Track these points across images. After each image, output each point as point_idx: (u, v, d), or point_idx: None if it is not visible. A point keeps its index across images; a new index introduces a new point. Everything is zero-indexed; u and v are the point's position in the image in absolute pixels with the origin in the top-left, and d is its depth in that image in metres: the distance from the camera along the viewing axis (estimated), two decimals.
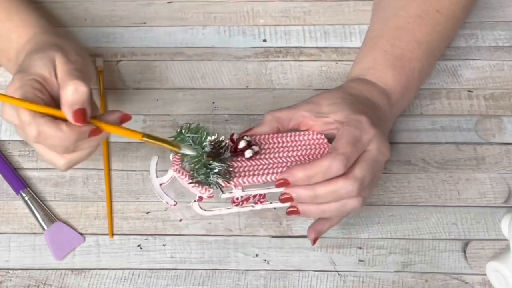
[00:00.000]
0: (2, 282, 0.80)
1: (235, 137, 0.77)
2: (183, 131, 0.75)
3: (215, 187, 0.74)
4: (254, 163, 0.77)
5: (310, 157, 0.77)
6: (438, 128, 0.89)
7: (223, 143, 0.76)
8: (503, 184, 0.86)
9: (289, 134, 0.79)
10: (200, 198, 0.75)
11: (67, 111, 0.69)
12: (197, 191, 0.75)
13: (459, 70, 0.93)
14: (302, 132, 0.79)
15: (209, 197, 0.75)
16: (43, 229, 0.82)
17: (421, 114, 0.90)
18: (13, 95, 0.69)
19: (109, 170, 0.86)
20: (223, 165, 0.74)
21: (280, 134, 0.79)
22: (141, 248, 0.82)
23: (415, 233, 0.83)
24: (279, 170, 0.75)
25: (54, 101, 0.71)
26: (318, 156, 0.77)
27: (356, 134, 0.74)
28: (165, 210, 0.84)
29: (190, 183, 0.75)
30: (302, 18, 0.96)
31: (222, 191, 0.75)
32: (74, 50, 0.76)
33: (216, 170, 0.73)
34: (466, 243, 0.82)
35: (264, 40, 0.96)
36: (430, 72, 0.89)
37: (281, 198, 0.74)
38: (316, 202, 0.74)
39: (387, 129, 0.82)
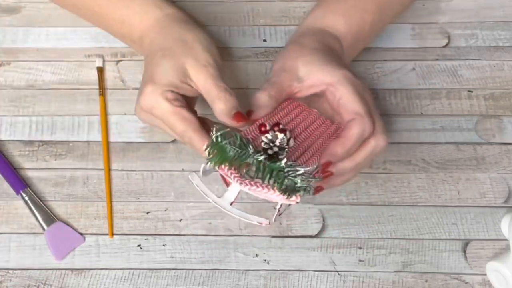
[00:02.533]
0: (2, 282, 0.80)
1: (267, 128, 0.73)
2: (219, 139, 0.70)
3: (304, 191, 0.69)
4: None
5: (323, 125, 0.78)
6: (438, 128, 0.89)
7: (278, 141, 0.71)
8: (503, 184, 0.86)
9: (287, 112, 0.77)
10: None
11: (227, 120, 0.75)
12: (284, 200, 0.69)
13: (459, 70, 0.93)
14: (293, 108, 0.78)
15: (297, 202, 0.70)
16: (43, 229, 0.82)
17: (421, 114, 0.90)
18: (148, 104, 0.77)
19: (109, 170, 0.86)
20: (307, 167, 0.69)
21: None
22: (141, 248, 0.82)
23: (415, 233, 0.83)
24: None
25: (189, 101, 0.79)
26: (321, 122, 0.78)
27: (359, 90, 0.77)
28: (165, 210, 0.84)
29: (278, 194, 0.69)
30: (302, 18, 0.96)
31: (314, 193, 0.71)
32: (201, 45, 0.80)
33: (301, 172, 0.68)
34: (466, 243, 0.82)
35: (264, 40, 0.96)
36: (380, 31, 0.90)
37: (324, 176, 0.73)
38: (356, 169, 0.77)
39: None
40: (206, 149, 0.71)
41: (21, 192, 0.84)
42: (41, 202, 0.83)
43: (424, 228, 0.83)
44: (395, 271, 0.81)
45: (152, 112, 0.77)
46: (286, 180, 0.69)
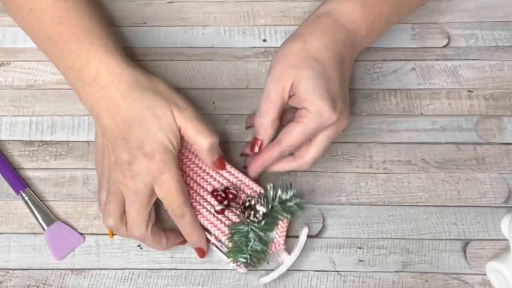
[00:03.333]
0: (2, 282, 0.80)
1: (219, 192, 0.82)
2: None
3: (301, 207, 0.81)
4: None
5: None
6: (438, 128, 0.89)
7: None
8: (503, 184, 0.86)
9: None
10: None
11: (210, 164, 0.80)
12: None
13: (459, 70, 0.93)
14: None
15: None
16: (43, 229, 0.82)
17: (421, 114, 0.90)
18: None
19: None
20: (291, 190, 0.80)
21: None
22: (141, 248, 0.82)
23: (415, 233, 0.83)
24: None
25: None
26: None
27: (310, 130, 0.79)
28: (165, 210, 0.84)
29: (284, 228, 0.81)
30: (302, 18, 0.96)
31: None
32: (167, 88, 0.79)
33: (291, 193, 0.80)
34: (466, 243, 0.82)
35: (264, 40, 0.95)
36: (394, 23, 0.89)
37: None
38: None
39: (348, 73, 0.84)
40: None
41: (21, 192, 0.84)
42: (41, 202, 0.83)
43: (424, 228, 0.83)
44: (395, 271, 0.81)
45: (159, 176, 0.76)
46: (292, 204, 0.79)
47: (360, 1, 0.83)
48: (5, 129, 0.89)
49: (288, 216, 0.79)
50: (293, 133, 0.79)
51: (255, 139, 0.81)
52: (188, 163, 0.83)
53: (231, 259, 0.78)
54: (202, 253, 0.80)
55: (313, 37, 0.81)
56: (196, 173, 0.83)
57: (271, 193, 0.79)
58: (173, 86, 0.92)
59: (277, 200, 0.79)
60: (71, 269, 0.81)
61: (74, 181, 0.86)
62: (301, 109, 0.79)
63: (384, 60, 0.94)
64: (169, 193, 0.76)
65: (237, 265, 0.78)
